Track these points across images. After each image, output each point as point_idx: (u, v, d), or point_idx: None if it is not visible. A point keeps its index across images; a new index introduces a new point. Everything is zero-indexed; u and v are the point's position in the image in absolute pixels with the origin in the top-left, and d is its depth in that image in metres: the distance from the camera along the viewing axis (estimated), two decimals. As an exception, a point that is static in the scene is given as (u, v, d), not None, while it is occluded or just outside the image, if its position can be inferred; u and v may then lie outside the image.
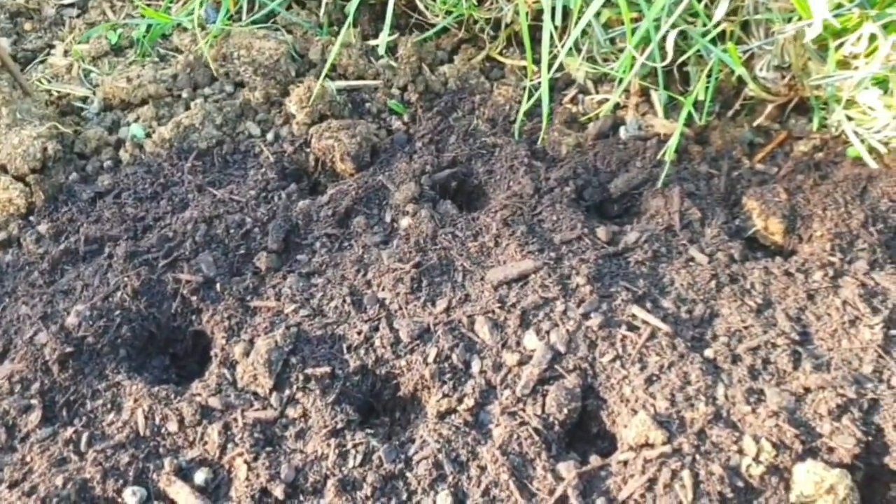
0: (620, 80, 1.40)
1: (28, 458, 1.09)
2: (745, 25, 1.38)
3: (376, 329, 1.18)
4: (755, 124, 1.41)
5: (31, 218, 1.33)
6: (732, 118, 1.43)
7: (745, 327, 1.14)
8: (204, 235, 1.28)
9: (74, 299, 1.22)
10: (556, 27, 1.29)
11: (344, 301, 1.21)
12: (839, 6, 1.21)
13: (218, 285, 1.23)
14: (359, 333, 1.17)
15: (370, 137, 1.39)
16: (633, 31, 1.26)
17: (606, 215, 1.34)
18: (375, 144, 1.41)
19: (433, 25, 1.54)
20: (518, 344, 1.14)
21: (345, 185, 1.35)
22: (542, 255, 1.22)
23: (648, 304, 1.17)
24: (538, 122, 1.44)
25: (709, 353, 1.12)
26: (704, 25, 1.32)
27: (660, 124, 1.40)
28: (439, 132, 1.43)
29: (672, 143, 1.32)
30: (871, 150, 1.31)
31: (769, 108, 1.40)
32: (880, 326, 1.12)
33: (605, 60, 1.47)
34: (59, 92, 1.51)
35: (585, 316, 1.15)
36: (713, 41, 1.33)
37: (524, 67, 1.45)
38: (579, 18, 1.29)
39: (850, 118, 1.32)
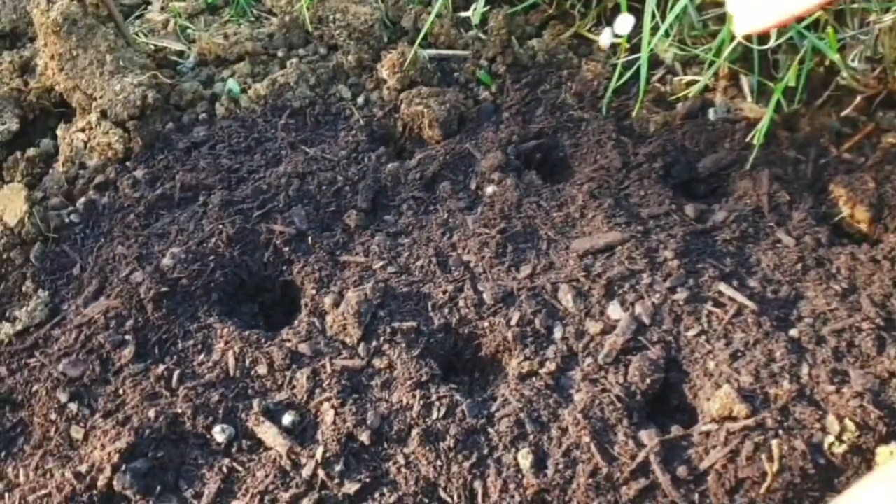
0: (710, 63, 1.40)
1: (121, 391, 1.13)
2: (839, 14, 1.37)
3: (461, 290, 1.20)
4: (843, 114, 1.40)
5: (129, 163, 1.36)
6: (820, 107, 1.42)
7: (831, 310, 1.14)
8: (297, 190, 1.31)
9: (169, 242, 1.26)
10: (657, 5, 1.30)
11: (430, 261, 1.23)
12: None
13: (309, 238, 1.26)
14: (444, 293, 1.19)
15: (458, 106, 1.41)
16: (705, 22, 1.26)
17: (694, 194, 1.35)
18: (463, 113, 1.42)
19: (523, 0, 1.56)
20: (602, 313, 1.16)
21: (432, 150, 1.37)
22: (629, 228, 1.23)
23: (735, 282, 1.18)
24: (625, 99, 1.45)
25: (794, 332, 1.12)
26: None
27: (748, 108, 1.40)
28: (526, 104, 1.44)
29: (762, 126, 1.33)
30: (965, 144, 1.30)
31: (857, 99, 1.39)
32: (969, 318, 1.12)
33: (694, 43, 1.47)
34: (155, 46, 1.55)
35: (672, 290, 1.16)
36: (806, 28, 1.33)
37: (613, 45, 1.46)
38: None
39: (943, 112, 1.31)
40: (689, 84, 1.45)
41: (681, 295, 1.15)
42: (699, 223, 1.25)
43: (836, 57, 1.31)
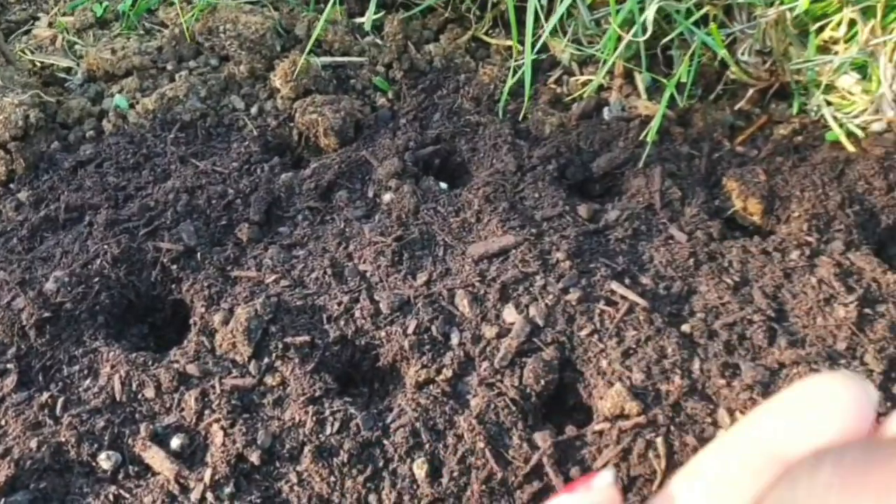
0: (605, 62, 1.41)
1: (2, 423, 1.09)
2: (728, 9, 1.39)
3: (356, 300, 1.18)
4: (736, 108, 1.42)
5: (12, 185, 1.32)
6: (714, 101, 1.44)
7: (722, 304, 1.15)
8: (185, 205, 1.28)
9: (53, 266, 1.22)
10: (542, 6, 1.30)
11: (325, 273, 1.21)
12: (821, -10, 1.23)
13: (198, 255, 1.23)
14: (339, 304, 1.17)
15: (354, 113, 1.39)
16: (618, 11, 1.27)
17: (588, 194, 1.35)
18: (359, 120, 1.41)
19: (419, 4, 1.55)
20: (497, 317, 1.15)
21: (327, 159, 1.35)
22: (523, 231, 1.23)
23: (627, 280, 1.18)
24: (522, 102, 1.45)
25: (685, 328, 1.13)
26: (688, 8, 1.33)
27: (643, 106, 1.41)
28: (423, 109, 1.43)
29: (654, 124, 1.33)
30: (850, 134, 1.32)
31: (750, 92, 1.41)
32: (854, 305, 1.14)
33: (590, 43, 1.48)
34: (42, 63, 1.50)
35: (564, 290, 1.16)
36: (696, 24, 1.34)
37: (509, 48, 1.46)
38: (564, -1, 1.30)
39: (829, 103, 1.34)
40: (586, 84, 1.46)
41: (573, 295, 1.15)
42: (592, 223, 1.25)
43: (723, 52, 1.33)
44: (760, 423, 0.43)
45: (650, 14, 1.19)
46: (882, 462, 0.35)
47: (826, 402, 0.41)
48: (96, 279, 1.20)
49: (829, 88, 1.34)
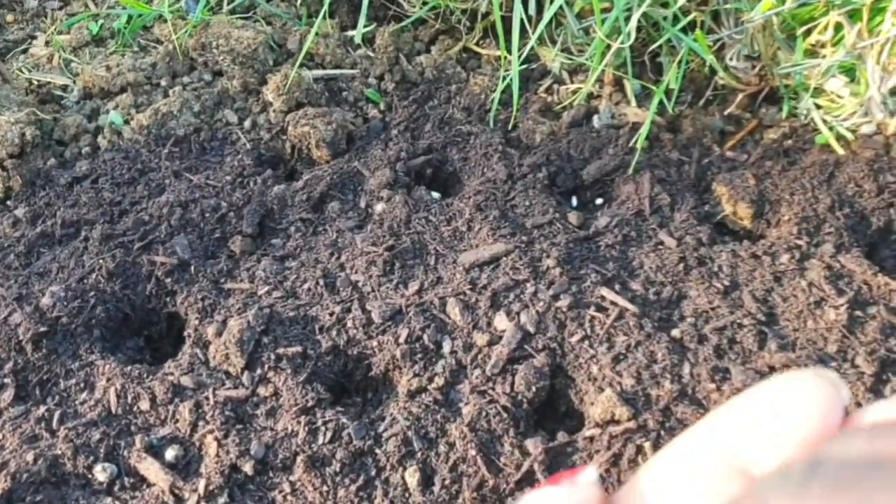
0: (593, 70, 1.42)
1: (0, 437, 1.10)
2: (715, 15, 1.40)
3: (348, 311, 1.19)
4: (726, 113, 1.43)
5: (9, 202, 1.33)
6: (704, 107, 1.45)
7: (713, 308, 1.16)
8: (179, 219, 1.29)
9: (50, 281, 1.23)
10: (528, 17, 1.31)
11: (317, 283, 1.22)
12: (806, -6, 1.24)
13: (192, 268, 1.24)
14: (331, 315, 1.18)
15: (346, 125, 1.40)
16: (604, 20, 1.28)
17: (579, 201, 1.36)
18: (351, 132, 1.42)
19: (409, 16, 1.56)
20: (489, 325, 1.16)
21: (320, 170, 1.36)
22: (513, 239, 1.23)
23: (617, 286, 1.19)
24: (512, 111, 1.46)
25: (676, 333, 1.13)
26: (674, 14, 1.34)
27: (632, 113, 1.42)
28: (415, 120, 1.44)
29: (643, 130, 1.34)
30: (839, 137, 1.33)
31: (739, 97, 1.41)
32: (845, 307, 1.14)
33: (580, 51, 1.49)
34: (39, 81, 1.52)
35: (555, 297, 1.17)
36: (684, 30, 1.35)
37: (500, 58, 1.47)
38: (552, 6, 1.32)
39: (818, 106, 1.34)
40: (576, 92, 1.47)
41: (564, 302, 1.16)
42: (582, 230, 1.26)
43: (710, 58, 1.34)
44: (723, 427, 0.40)
45: (634, 23, 1.20)
46: (852, 486, 0.34)
47: (793, 404, 0.38)
48: (92, 293, 1.21)
49: (818, 92, 1.34)
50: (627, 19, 1.27)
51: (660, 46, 1.40)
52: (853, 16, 1.25)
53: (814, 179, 1.28)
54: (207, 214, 1.30)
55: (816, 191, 1.27)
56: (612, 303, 1.16)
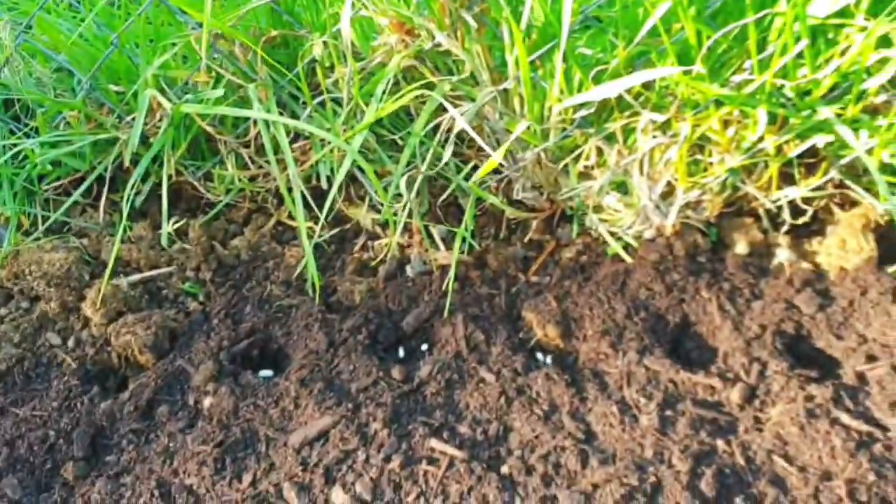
0: (396, 224, 1.49)
1: None
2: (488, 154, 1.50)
3: (187, 517, 1.18)
4: (527, 239, 1.52)
5: None
6: (507, 238, 1.54)
7: (536, 437, 1.21)
8: (7, 459, 1.27)
9: None
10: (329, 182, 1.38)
11: (152, 496, 1.21)
12: (564, 129, 1.35)
13: (22, 508, 1.22)
14: (170, 526, 1.18)
15: (167, 324, 1.43)
16: (386, 187, 1.36)
17: (403, 353, 1.40)
18: (174, 329, 1.44)
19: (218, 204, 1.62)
20: (326, 502, 1.17)
21: (145, 377, 1.37)
22: (339, 409, 1.26)
23: (445, 434, 1.22)
24: (331, 275, 1.51)
25: (504, 469, 1.17)
26: (456, 164, 1.44)
27: (441, 257, 1.50)
28: (234, 305, 1.48)
29: (451, 273, 1.41)
30: (626, 246, 1.43)
31: (535, 223, 1.51)
32: (655, 411, 1.21)
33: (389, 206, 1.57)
34: None
35: (386, 459, 1.20)
36: (467, 177, 1.45)
37: (311, 227, 1.53)
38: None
39: (603, 220, 1.45)
40: (388, 245, 1.54)
41: (395, 462, 1.19)
42: (406, 383, 1.30)
43: (492, 199, 1.44)
44: None
45: (416, 184, 1.29)
46: None
47: None
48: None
49: (599, 208, 1.45)
50: (410, 181, 1.36)
51: (453, 192, 1.49)
52: (610, 139, 1.36)
53: (608, 291, 1.37)
54: (36, 447, 1.29)
55: (612, 301, 1.36)
56: (442, 452, 1.19)
